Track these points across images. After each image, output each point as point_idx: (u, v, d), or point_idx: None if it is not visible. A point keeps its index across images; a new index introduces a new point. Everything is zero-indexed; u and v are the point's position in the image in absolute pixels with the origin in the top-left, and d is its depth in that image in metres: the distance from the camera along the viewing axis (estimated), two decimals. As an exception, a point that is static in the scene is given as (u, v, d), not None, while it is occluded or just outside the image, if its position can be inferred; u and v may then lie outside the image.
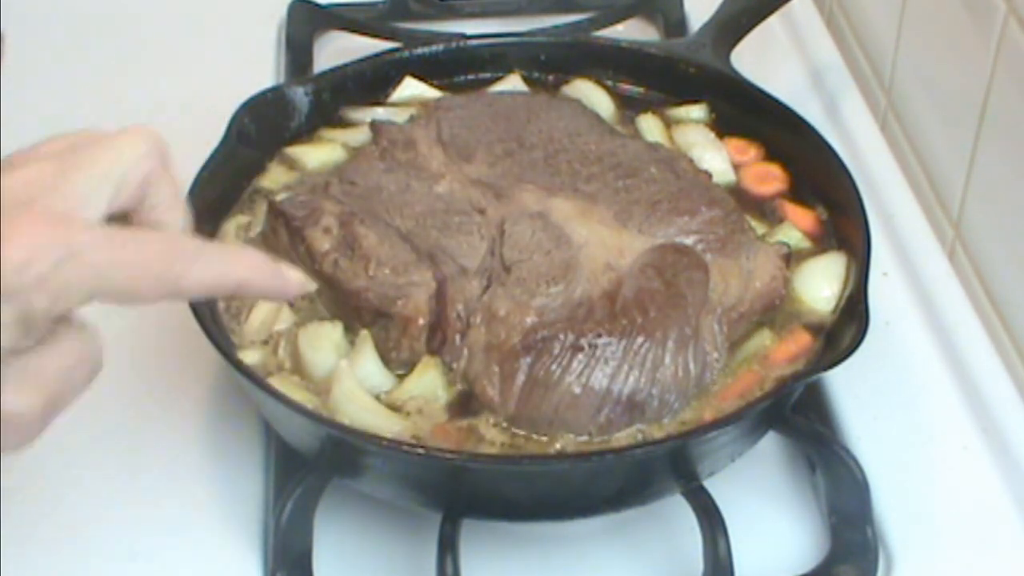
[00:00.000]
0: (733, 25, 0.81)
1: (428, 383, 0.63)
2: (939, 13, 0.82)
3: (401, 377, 0.64)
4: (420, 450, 0.57)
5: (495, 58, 0.82)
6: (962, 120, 0.79)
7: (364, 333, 0.64)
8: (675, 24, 0.97)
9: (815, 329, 0.66)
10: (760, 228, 0.71)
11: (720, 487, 0.62)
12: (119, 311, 0.74)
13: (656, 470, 0.60)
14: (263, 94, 0.76)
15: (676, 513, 0.62)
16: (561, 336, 0.60)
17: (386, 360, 0.64)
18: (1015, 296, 0.75)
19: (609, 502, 0.61)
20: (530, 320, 0.61)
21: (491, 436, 0.60)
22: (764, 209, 0.74)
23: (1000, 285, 0.77)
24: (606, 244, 0.65)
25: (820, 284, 0.68)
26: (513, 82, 0.82)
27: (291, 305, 0.67)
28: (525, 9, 1.00)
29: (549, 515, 0.62)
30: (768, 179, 0.75)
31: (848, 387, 0.70)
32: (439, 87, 0.81)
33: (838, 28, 0.99)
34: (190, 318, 0.62)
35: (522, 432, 0.60)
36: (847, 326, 0.61)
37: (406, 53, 0.82)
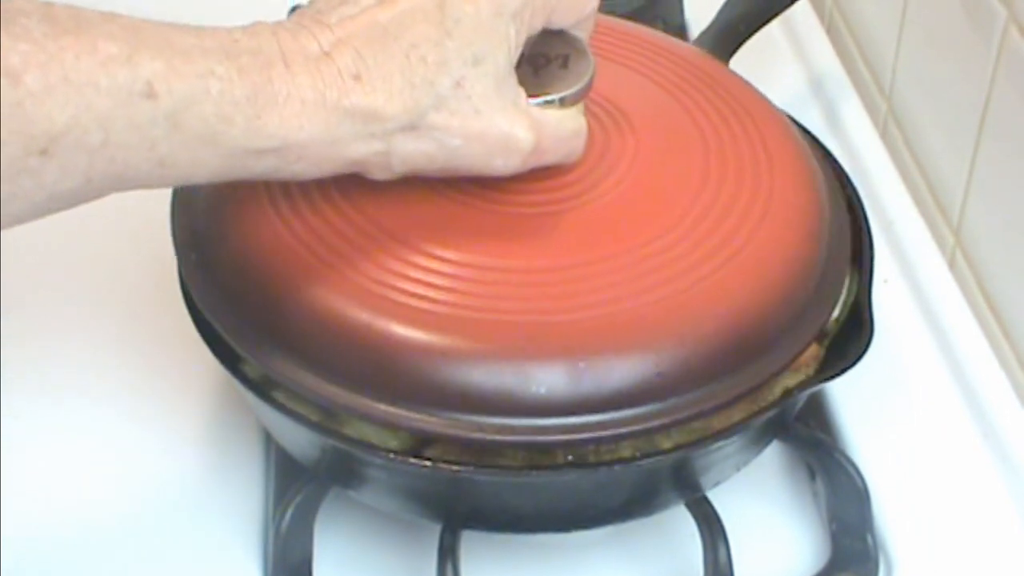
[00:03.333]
0: (731, 32, 0.81)
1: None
2: (939, 20, 0.82)
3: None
4: (425, 462, 0.57)
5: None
6: (962, 127, 0.79)
7: None
8: (675, 30, 0.96)
9: (818, 337, 0.65)
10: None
11: (720, 495, 0.62)
12: (119, 317, 0.75)
13: (662, 481, 0.60)
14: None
15: (676, 521, 0.62)
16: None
17: None
18: (1015, 303, 0.75)
19: (614, 514, 0.61)
20: None
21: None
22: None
23: (1000, 292, 0.77)
24: None
25: (822, 292, 0.68)
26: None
27: None
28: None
29: (554, 527, 0.62)
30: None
31: (848, 394, 0.70)
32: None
33: (838, 34, 0.99)
34: (190, 325, 0.62)
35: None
36: (851, 335, 0.61)
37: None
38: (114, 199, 0.82)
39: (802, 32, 0.96)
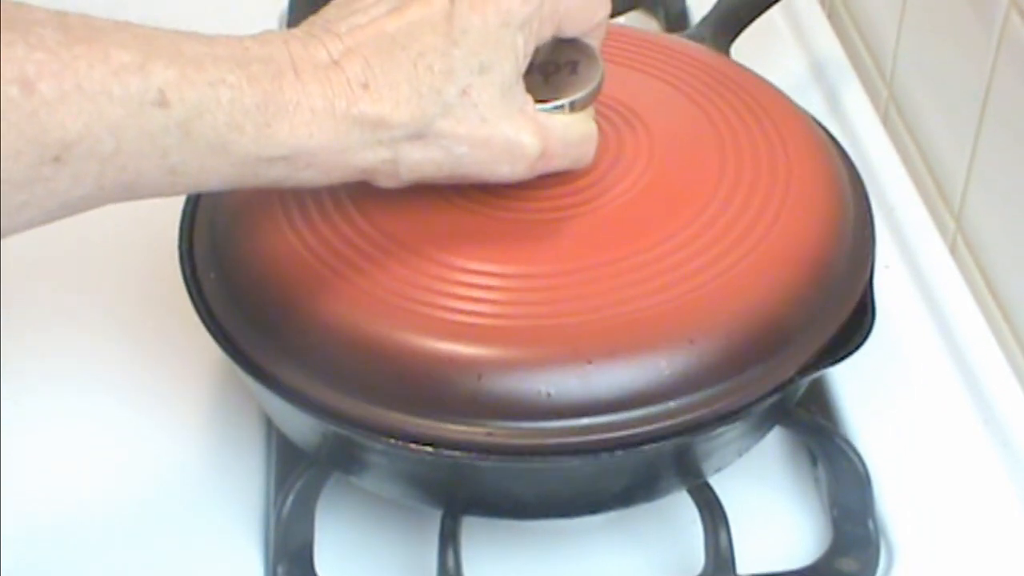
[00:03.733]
0: (733, 18, 0.81)
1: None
2: (941, 4, 0.82)
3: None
4: (424, 448, 0.57)
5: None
6: (964, 112, 0.79)
7: None
8: (676, 16, 0.96)
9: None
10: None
11: (721, 480, 0.62)
12: (119, 303, 0.74)
13: (663, 467, 0.60)
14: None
15: (678, 506, 0.62)
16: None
17: None
18: (1016, 288, 0.75)
19: (615, 499, 0.61)
20: None
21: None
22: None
23: (1001, 276, 0.77)
24: None
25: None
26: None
27: None
28: (525, 1, 0.99)
29: (555, 513, 0.62)
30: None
31: (849, 379, 0.70)
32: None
33: (839, 19, 0.98)
34: (190, 311, 0.62)
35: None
36: (853, 320, 0.61)
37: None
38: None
39: (803, 17, 0.96)
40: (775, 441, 0.67)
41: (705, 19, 0.81)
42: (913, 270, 0.77)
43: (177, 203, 0.67)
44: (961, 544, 0.64)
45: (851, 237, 0.64)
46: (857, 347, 0.60)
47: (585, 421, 0.56)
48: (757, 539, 0.63)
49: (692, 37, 0.79)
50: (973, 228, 0.80)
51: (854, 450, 0.64)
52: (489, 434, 0.56)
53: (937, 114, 0.84)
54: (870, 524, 0.63)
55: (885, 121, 0.89)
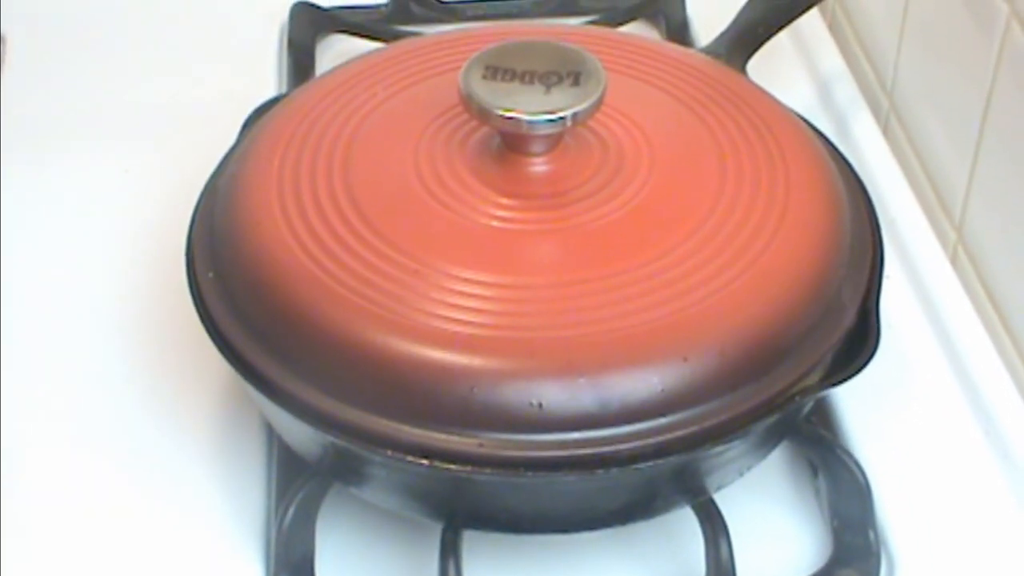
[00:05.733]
0: (749, 35, 0.80)
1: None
2: (941, 15, 0.82)
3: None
4: (422, 461, 0.57)
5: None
6: (965, 123, 0.79)
7: None
8: (677, 27, 0.96)
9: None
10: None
11: (721, 491, 0.62)
12: (124, 311, 0.75)
13: (663, 486, 0.60)
14: (276, 99, 0.76)
15: (678, 517, 0.62)
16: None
17: None
18: (1017, 298, 0.75)
19: (615, 516, 0.61)
20: None
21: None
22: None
23: (1002, 288, 0.77)
24: None
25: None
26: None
27: None
28: (527, 12, 0.99)
29: (555, 528, 0.62)
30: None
31: (850, 390, 0.70)
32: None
33: (840, 30, 0.98)
34: (193, 321, 0.62)
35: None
36: (857, 338, 0.61)
37: (408, 56, 0.82)
38: (122, 196, 0.83)
39: (804, 28, 0.96)
40: (776, 452, 0.67)
41: (722, 35, 0.80)
42: (914, 280, 0.77)
43: (183, 211, 0.67)
44: (962, 554, 0.64)
45: (849, 255, 0.64)
46: (860, 368, 0.60)
47: (576, 435, 0.57)
48: (758, 550, 0.63)
49: (708, 53, 0.79)
50: (974, 238, 0.80)
51: (854, 460, 0.64)
52: (480, 445, 0.56)
53: (938, 124, 0.84)
54: (871, 535, 0.63)
55: (886, 132, 0.89)
